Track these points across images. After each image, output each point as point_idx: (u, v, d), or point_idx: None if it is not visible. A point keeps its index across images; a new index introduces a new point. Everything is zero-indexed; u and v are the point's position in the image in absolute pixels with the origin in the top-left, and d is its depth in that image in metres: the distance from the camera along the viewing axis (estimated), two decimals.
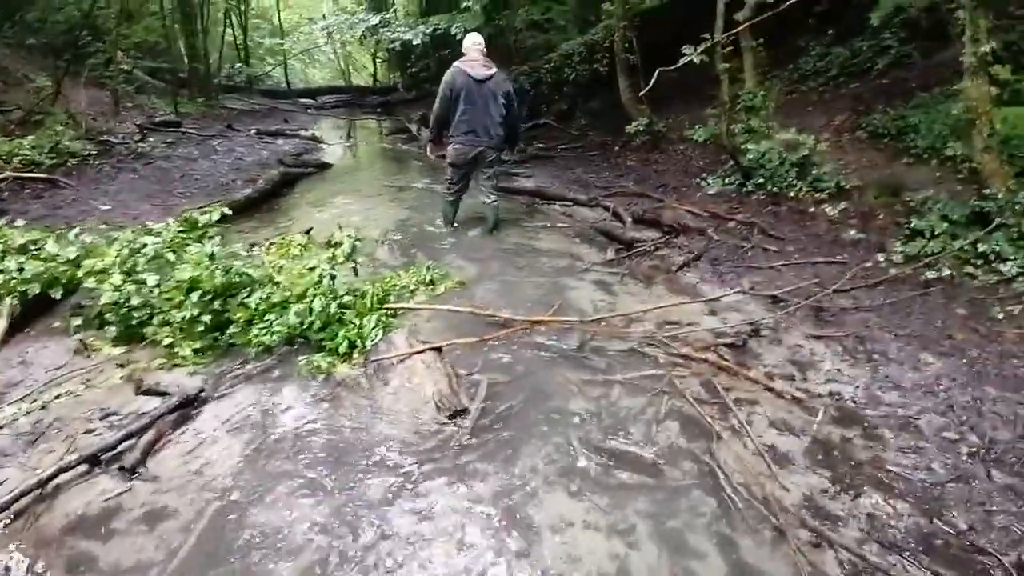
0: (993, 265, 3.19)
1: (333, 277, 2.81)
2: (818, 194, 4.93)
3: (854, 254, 3.84)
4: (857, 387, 2.52)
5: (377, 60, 24.35)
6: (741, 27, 5.10)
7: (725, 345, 2.94)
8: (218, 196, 5.89)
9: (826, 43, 8.01)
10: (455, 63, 4.68)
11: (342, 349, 2.76)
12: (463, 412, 2.37)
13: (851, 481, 1.99)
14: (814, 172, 5.10)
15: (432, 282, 3.78)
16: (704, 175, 6.25)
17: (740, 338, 3.00)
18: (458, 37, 11.10)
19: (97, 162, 6.50)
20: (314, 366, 2.68)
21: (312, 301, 2.79)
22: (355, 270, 3.08)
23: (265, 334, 2.73)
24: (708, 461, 2.09)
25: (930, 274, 3.30)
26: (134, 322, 2.88)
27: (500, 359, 2.83)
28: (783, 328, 3.09)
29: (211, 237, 3.14)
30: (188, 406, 2.42)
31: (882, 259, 3.60)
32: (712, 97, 8.71)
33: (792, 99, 7.30)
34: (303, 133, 11.57)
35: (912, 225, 3.73)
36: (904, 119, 5.14)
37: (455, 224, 5.08)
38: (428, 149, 5.26)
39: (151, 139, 8.09)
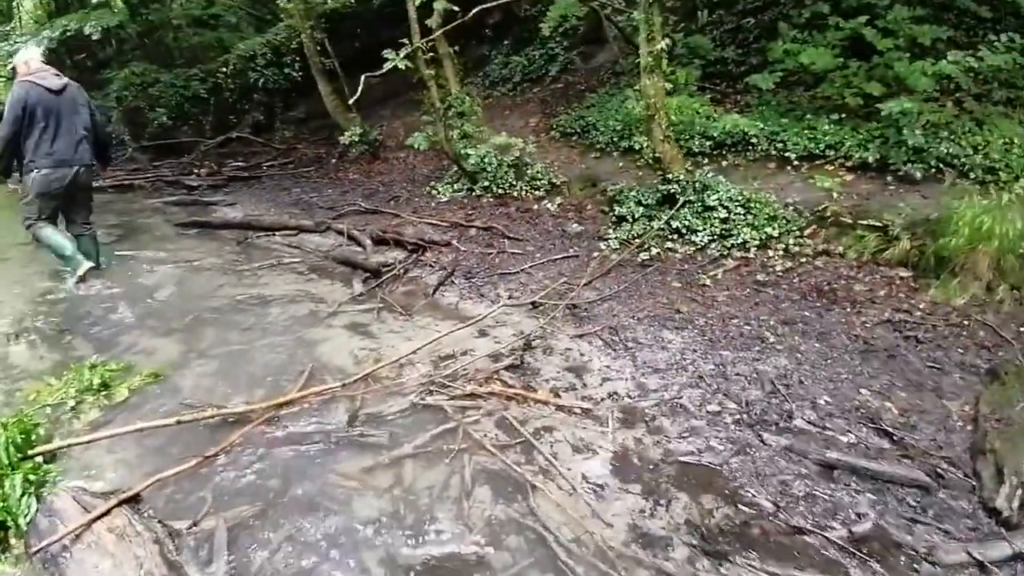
0: (687, 237, 3.87)
1: None
2: (536, 192, 5.31)
3: (581, 246, 4.21)
4: (626, 380, 2.66)
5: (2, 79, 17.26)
6: (436, 33, 5.07)
7: (506, 369, 2.78)
8: None
9: (505, 52, 8.86)
10: (18, 79, 3.85)
11: None
12: None
13: (659, 488, 2.00)
14: (529, 172, 5.49)
15: (105, 385, 2.59)
16: (432, 183, 6.15)
17: (517, 357, 2.88)
18: (94, 37, 8.50)
19: None
20: None
21: None
22: None
23: None
24: (531, 524, 1.84)
25: (643, 255, 3.82)
26: None
27: (240, 478, 2.04)
28: (550, 334, 3.10)
29: None
30: None
31: (604, 247, 4.02)
32: (418, 102, 8.69)
33: (488, 104, 7.83)
34: None
35: (616, 212, 4.27)
36: (583, 119, 5.96)
37: (90, 266, 3.97)
38: (19, 188, 4.12)
39: None
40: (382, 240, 4.72)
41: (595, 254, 4.00)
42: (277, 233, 5.28)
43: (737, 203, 3.94)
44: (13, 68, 4.24)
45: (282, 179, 7.67)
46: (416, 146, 5.74)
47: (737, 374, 2.70)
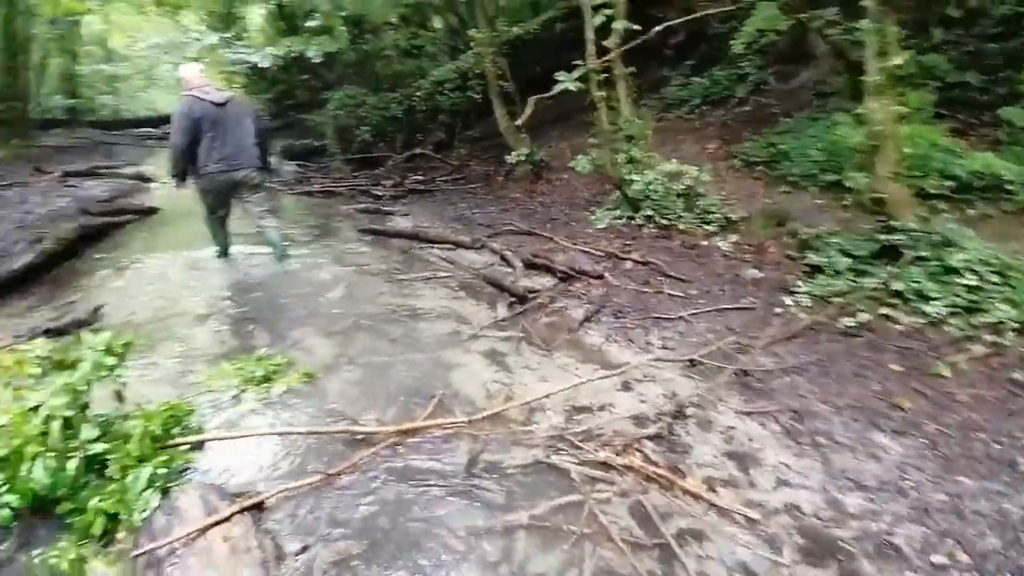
0: (914, 305, 3.00)
1: (68, 420, 1.75)
2: (707, 226, 4.73)
3: (759, 296, 3.55)
4: (814, 491, 2.04)
5: (233, 86, 22.13)
6: (612, 54, 4.83)
7: (650, 438, 2.36)
8: None
9: (686, 73, 8.28)
10: (185, 93, 4.36)
11: (96, 529, 1.72)
12: None
13: None
14: (700, 203, 4.93)
15: (267, 378, 2.80)
16: (591, 208, 5.90)
17: (664, 425, 2.44)
18: (315, 60, 10.06)
19: None
20: (53, 568, 1.62)
21: (36, 459, 1.71)
22: (118, 395, 2.03)
23: None
24: None
25: (848, 321, 3.04)
26: None
27: (353, 507, 1.97)
28: (709, 403, 2.59)
29: None
30: None
31: (790, 302, 3.32)
32: (588, 124, 8.60)
33: (662, 128, 7.33)
34: (127, 170, 9.65)
35: (810, 261, 3.53)
36: (773, 146, 5.19)
37: (229, 254, 4.84)
38: (176, 186, 4.64)
39: None
40: (532, 264, 4.59)
41: (777, 310, 3.32)
42: (437, 246, 5.50)
43: (991, 268, 2.94)
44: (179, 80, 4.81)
45: (451, 193, 8.11)
46: (579, 169, 5.56)
47: (976, 512, 1.92)
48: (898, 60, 2.97)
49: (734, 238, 4.38)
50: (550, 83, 5.14)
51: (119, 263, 4.91)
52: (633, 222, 5.19)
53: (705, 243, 4.53)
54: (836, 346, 2.98)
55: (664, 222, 4.96)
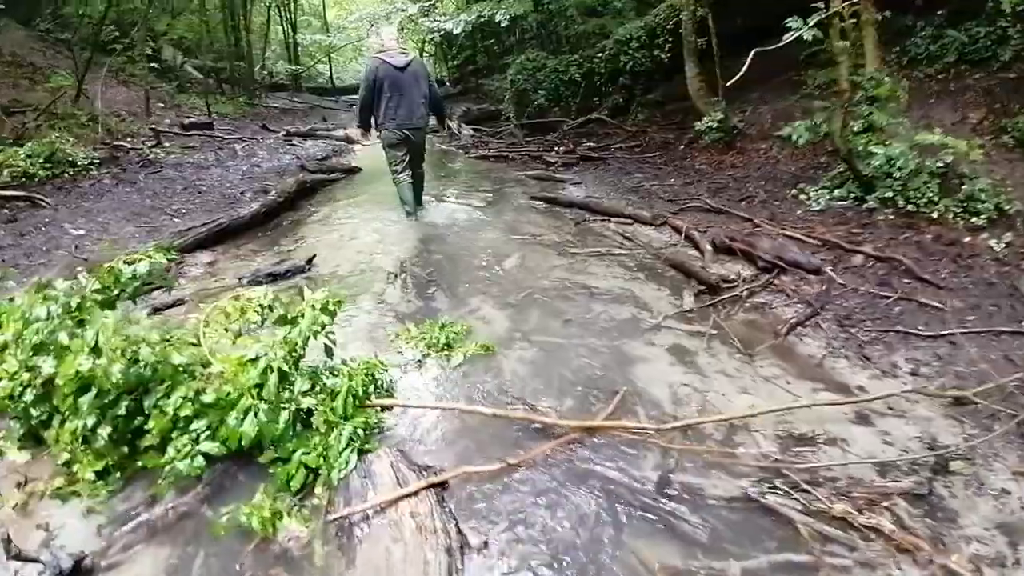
0: None
1: (284, 373, 1.86)
2: (973, 218, 3.61)
3: None
4: None
5: (425, 53, 23.78)
6: None
7: (902, 495, 1.81)
8: (220, 212, 5.14)
9: (936, 24, 6.46)
10: (374, 55, 4.88)
11: (295, 483, 1.83)
12: None
13: None
14: (964, 188, 3.78)
15: (448, 345, 2.81)
16: (800, 185, 4.98)
17: (922, 480, 1.86)
18: (503, 24, 10.09)
19: (99, 172, 5.93)
20: (241, 525, 1.71)
21: (249, 410, 1.85)
22: (328, 350, 2.13)
23: (186, 455, 1.83)
24: None
25: None
26: (34, 421, 2.06)
27: (533, 506, 1.82)
28: (982, 457, 1.92)
29: (130, 297, 2.28)
30: None
31: None
32: (797, 84, 7.27)
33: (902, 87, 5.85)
34: (337, 133, 10.89)
35: None
36: None
37: (415, 214, 5.17)
38: (358, 135, 5.40)
39: (168, 144, 7.53)
40: (726, 248, 4.00)
41: None
42: (612, 219, 5.14)
43: None
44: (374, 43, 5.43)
45: (627, 162, 7.60)
46: (794, 138, 4.67)
47: None
48: None
49: (1010, 237, 3.26)
50: (754, 38, 4.29)
51: (329, 217, 5.50)
52: (863, 205, 4.23)
53: (969, 239, 3.46)
54: None
55: (910, 208, 3.93)
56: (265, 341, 1.95)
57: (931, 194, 3.91)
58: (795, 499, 1.79)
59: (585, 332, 3.03)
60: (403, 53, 4.79)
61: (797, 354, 2.74)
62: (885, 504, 1.77)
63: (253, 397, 1.81)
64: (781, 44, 3.62)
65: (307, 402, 1.89)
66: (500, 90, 11.82)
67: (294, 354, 1.93)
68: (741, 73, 3.63)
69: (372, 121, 4.96)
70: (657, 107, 9.57)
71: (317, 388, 1.97)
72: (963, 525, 1.70)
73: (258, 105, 13.95)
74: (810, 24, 3.52)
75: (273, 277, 3.77)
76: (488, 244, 4.57)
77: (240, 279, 3.81)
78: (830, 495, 1.80)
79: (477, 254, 4.30)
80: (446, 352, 2.76)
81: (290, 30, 19.68)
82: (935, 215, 3.78)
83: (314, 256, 4.20)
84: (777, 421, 2.20)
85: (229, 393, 1.89)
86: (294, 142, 9.71)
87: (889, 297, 3.00)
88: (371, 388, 2.13)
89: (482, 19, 9.62)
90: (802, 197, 4.71)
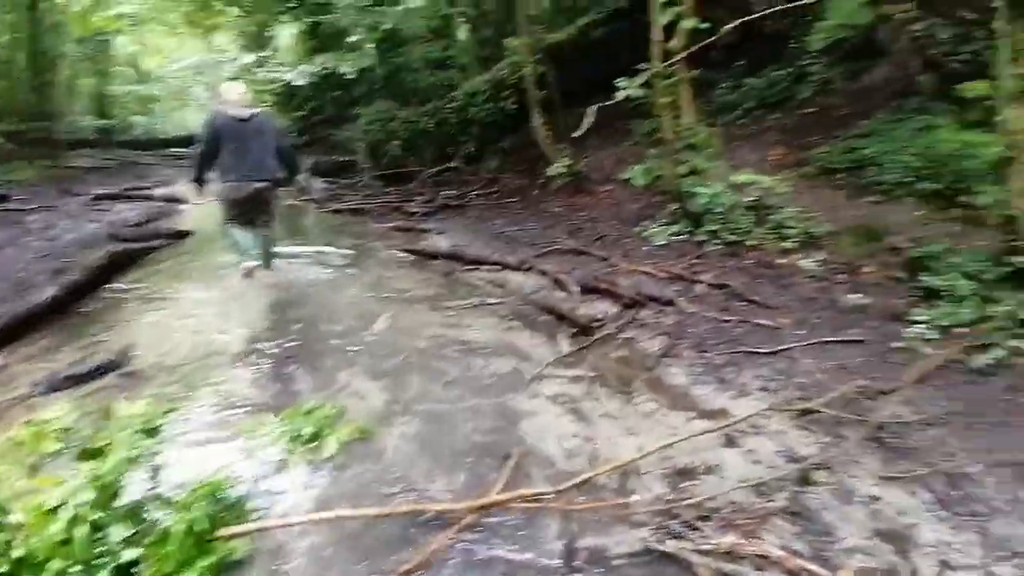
0: None
1: (96, 523, 1.43)
2: (784, 243, 4.26)
3: (867, 326, 3.08)
4: (976, 572, 1.63)
5: (264, 105, 22.48)
6: (679, 56, 4.44)
7: (779, 514, 1.94)
8: (9, 303, 4.11)
9: (736, 75, 7.82)
10: (214, 107, 4.79)
11: None
12: None
13: None
14: (773, 217, 4.47)
15: (316, 435, 2.47)
16: (643, 223, 5.48)
17: (791, 495, 2.02)
18: (347, 77, 9.92)
19: None
20: None
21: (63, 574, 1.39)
22: (154, 473, 1.71)
23: None
24: None
25: (982, 358, 2.56)
26: None
27: None
28: (841, 465, 2.16)
29: None
30: None
31: (911, 335, 2.84)
32: (627, 132, 8.24)
33: (715, 134, 6.89)
34: (158, 191, 9.63)
35: (926, 285, 3.05)
36: (856, 151, 4.70)
37: (260, 263, 4.88)
38: (192, 192, 5.08)
39: None
40: (591, 288, 4.20)
41: (896, 344, 2.85)
42: (481, 267, 5.16)
43: None
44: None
45: (486, 209, 7.79)
46: (634, 181, 5.17)
47: None
48: None
49: (820, 256, 3.91)
50: (591, 90, 4.77)
51: (151, 293, 4.70)
52: (694, 239, 4.76)
53: (784, 262, 4.07)
54: (974, 389, 2.50)
55: (731, 238, 4.52)
56: (69, 482, 1.49)
57: (747, 225, 4.54)
58: (689, 540, 1.82)
59: (469, 392, 2.90)
60: (247, 106, 4.56)
61: (667, 385, 2.91)
62: (767, 527, 1.87)
63: (61, 559, 1.35)
64: (615, 101, 4.03)
65: (129, 554, 1.47)
66: (351, 140, 11.54)
67: (108, 491, 1.51)
68: (586, 127, 3.94)
69: (208, 176, 4.62)
70: (509, 154, 10.06)
71: (142, 531, 1.55)
72: (841, 538, 1.85)
73: (61, 166, 11.90)
74: (635, 84, 3.96)
75: (76, 380, 3.02)
76: (353, 305, 4.26)
77: (35, 387, 3.02)
78: (719, 527, 1.86)
79: (341, 318, 3.98)
80: (315, 444, 2.43)
81: (100, 81, 17.32)
82: (753, 243, 4.40)
83: (130, 346, 3.51)
84: (661, 458, 2.26)
85: (37, 552, 1.40)
86: (103, 206, 8.35)
87: (731, 321, 3.35)
88: (218, 514, 1.74)
89: (327, 71, 9.36)
90: (645, 234, 5.18)
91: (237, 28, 16.39)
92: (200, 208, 7.79)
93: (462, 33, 13.03)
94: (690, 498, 2.01)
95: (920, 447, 2.20)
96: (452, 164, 10.08)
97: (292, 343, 3.56)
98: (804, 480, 2.08)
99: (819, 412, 2.41)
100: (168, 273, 5.38)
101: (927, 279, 3.05)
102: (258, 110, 4.62)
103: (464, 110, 9.91)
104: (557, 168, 7.21)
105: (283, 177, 4.76)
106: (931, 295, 3.02)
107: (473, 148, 10.31)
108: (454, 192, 9.00)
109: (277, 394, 2.94)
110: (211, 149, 4.45)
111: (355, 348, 3.48)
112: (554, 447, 2.41)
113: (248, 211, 4.64)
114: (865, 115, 5.21)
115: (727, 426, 2.36)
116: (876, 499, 2.00)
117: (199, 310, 4.25)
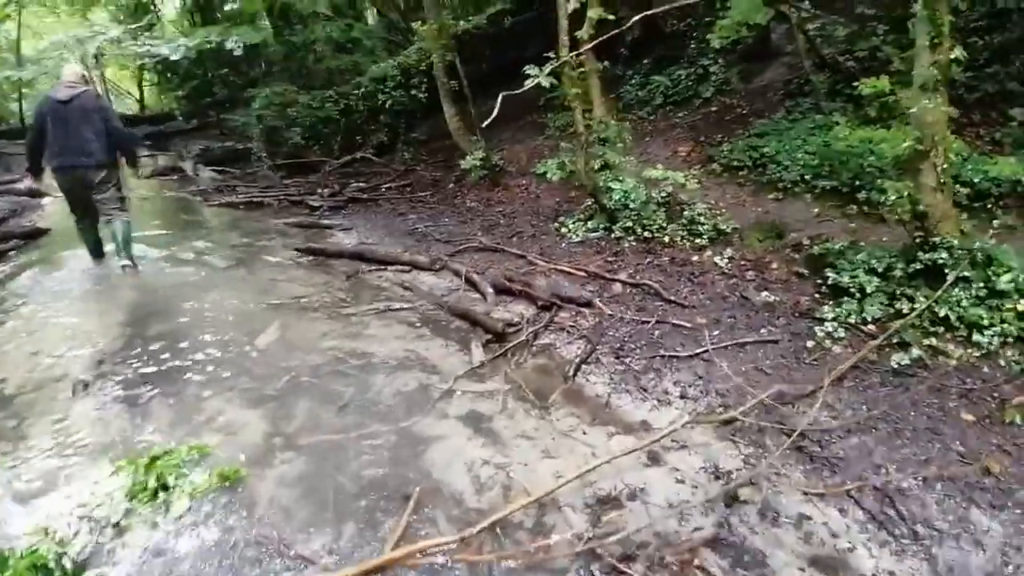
0: (961, 333, 2.57)
1: None
2: (696, 239, 4.25)
3: (778, 325, 3.07)
4: None
5: (144, 85, 19.95)
6: (587, 47, 4.26)
7: (707, 543, 1.77)
8: None
9: (643, 72, 7.91)
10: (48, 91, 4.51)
11: None
12: None
13: None
14: (685, 213, 4.45)
15: (165, 487, 1.98)
16: (560, 218, 5.32)
17: (719, 519, 1.87)
18: (235, 53, 8.90)
19: None
20: None
21: None
22: None
23: None
24: None
25: (898, 357, 2.56)
26: None
27: None
28: (767, 480, 2.04)
29: None
30: None
31: (820, 333, 2.84)
32: (540, 126, 8.07)
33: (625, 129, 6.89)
34: (20, 185, 8.11)
35: (831, 281, 3.09)
36: (756, 149, 4.81)
37: (103, 256, 4.66)
38: (33, 182, 4.80)
39: None
40: (506, 289, 3.94)
41: (808, 343, 2.84)
42: (389, 268, 4.73)
43: None
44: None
45: (399, 203, 7.30)
46: (548, 175, 4.96)
47: None
48: (955, 53, 2.56)
49: (729, 252, 3.92)
50: (500, 80, 4.52)
51: None
52: (611, 235, 4.65)
53: (697, 258, 4.04)
54: (895, 392, 2.47)
55: (646, 235, 4.45)
56: None
57: (660, 221, 4.50)
58: None
59: (366, 418, 2.52)
60: (70, 87, 4.27)
61: (586, 396, 2.70)
62: (695, 561, 1.70)
63: None
64: (524, 89, 3.77)
65: None
66: (246, 126, 10.44)
67: None
68: (493, 116, 3.63)
69: (42, 163, 4.36)
70: (423, 145, 9.57)
71: None
72: (775, 568, 1.71)
73: None
74: (545, 72, 3.72)
75: None
76: (235, 315, 3.68)
77: None
78: (646, 568, 1.66)
79: (220, 331, 3.40)
80: (162, 498, 1.94)
81: None
82: (667, 239, 4.35)
83: None
84: (581, 485, 2.03)
85: None
86: None
87: (649, 322, 3.23)
88: None
89: (209, 45, 8.30)
90: (563, 230, 5.01)
91: (115, 1, 14.34)
92: (59, 202, 6.62)
93: (370, 17, 12.25)
94: (614, 532, 1.80)
95: (846, 457, 2.14)
96: (361, 154, 9.42)
97: (152, 364, 2.97)
98: (731, 499, 1.94)
99: (737, 420, 2.31)
100: (16, 279, 4.44)
101: (832, 276, 3.09)
102: (81, 90, 4.31)
103: (372, 96, 9.27)
104: (471, 161, 6.88)
105: (110, 160, 4.40)
106: (837, 292, 3.06)
107: (385, 138, 9.70)
108: (364, 184, 8.39)
109: (124, 430, 2.38)
110: (37, 135, 4.25)
111: (232, 368, 2.96)
112: (463, 479, 2.11)
113: (81, 198, 4.37)
114: (762, 114, 5.37)
115: (650, 444, 2.18)
116: (806, 519, 1.89)
117: (45, 324, 3.51)
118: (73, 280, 4.35)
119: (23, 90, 16.36)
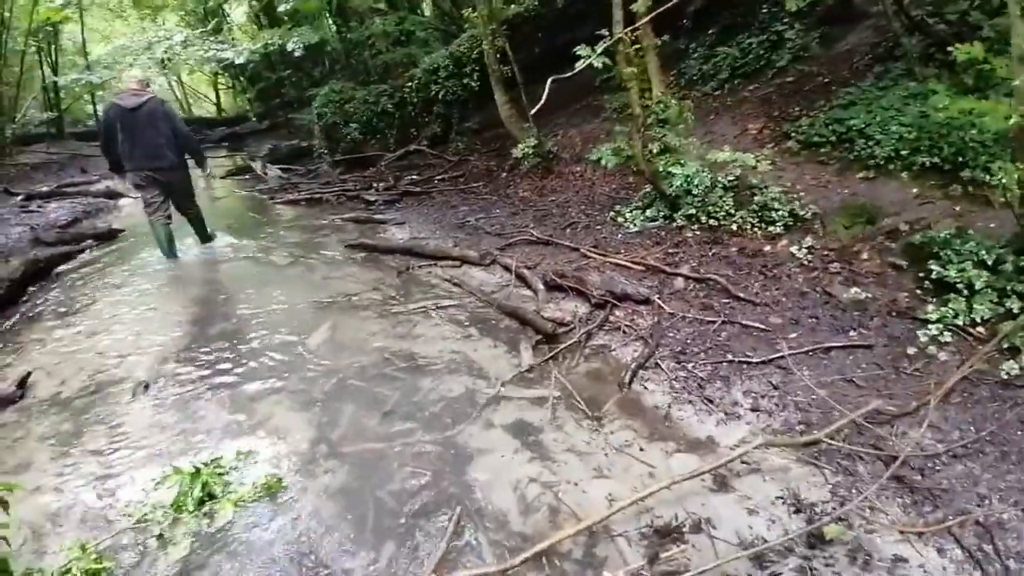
0: None
1: None
2: (769, 227, 3.84)
3: (871, 326, 2.68)
4: None
5: (220, 88, 21.20)
6: (642, 21, 3.92)
7: None
8: None
9: (707, 43, 7.32)
10: (113, 98, 4.96)
11: None
12: None
13: None
14: (756, 198, 4.04)
15: (211, 495, 1.98)
16: (617, 207, 5.02)
17: (800, 561, 1.61)
18: (296, 54, 9.13)
19: None
20: None
21: None
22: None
23: None
24: None
25: (1010, 366, 2.16)
26: None
27: None
28: (858, 515, 1.75)
29: None
30: None
31: (924, 337, 2.44)
32: (597, 109, 7.69)
33: (687, 108, 6.41)
34: (98, 187, 8.81)
35: (935, 275, 2.65)
36: (841, 122, 4.27)
37: (176, 255, 5.00)
38: (119, 184, 5.37)
39: None
40: (557, 285, 3.74)
41: (910, 349, 2.45)
42: (439, 263, 4.65)
43: None
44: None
45: (451, 195, 7.23)
46: (603, 162, 4.67)
47: None
48: None
49: (809, 241, 3.50)
50: (552, 65, 4.26)
51: (67, 306, 4.10)
52: (672, 224, 4.32)
53: (770, 249, 3.65)
54: (1003, 407, 2.09)
55: (711, 223, 4.09)
56: None
57: (728, 207, 4.11)
58: None
59: (410, 425, 2.43)
60: (136, 94, 4.55)
61: (644, 407, 2.47)
62: None
63: None
64: (574, 72, 3.51)
65: None
66: (311, 124, 10.76)
67: None
68: (543, 101, 3.40)
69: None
70: (476, 134, 9.45)
71: None
72: None
73: (7, 164, 10.92)
74: (598, 52, 3.44)
75: None
76: (290, 313, 3.73)
77: None
78: None
79: (274, 330, 3.46)
80: (207, 506, 1.94)
81: (50, 73, 15.97)
82: (735, 227, 3.97)
83: (28, 375, 2.97)
84: (638, 511, 1.83)
85: None
86: (34, 206, 7.56)
87: (714, 322, 2.93)
88: None
89: (272, 47, 8.54)
90: (620, 220, 4.72)
91: (184, 6, 15.22)
92: (135, 203, 7.09)
93: (426, 8, 12.21)
94: (675, 572, 1.59)
95: (949, 488, 1.80)
96: (416, 146, 9.45)
97: (208, 366, 3.04)
98: (815, 538, 1.67)
99: (821, 442, 2.00)
100: (89, 280, 4.76)
101: (936, 268, 2.65)
102: (147, 97, 4.58)
103: (426, 88, 9.23)
104: (523, 149, 6.68)
105: (180, 162, 4.80)
106: (942, 288, 2.62)
107: (439, 129, 9.67)
108: (417, 177, 8.41)
109: (176, 436, 2.42)
110: (108, 141, 4.57)
111: (283, 369, 2.97)
112: (507, 499, 1.96)
113: (155, 198, 4.72)
114: (847, 83, 4.77)
115: (717, 466, 1.93)
116: (902, 561, 1.60)
117: (112, 324, 3.70)
118: (143, 279, 4.59)
119: (96, 93, 17.82)
